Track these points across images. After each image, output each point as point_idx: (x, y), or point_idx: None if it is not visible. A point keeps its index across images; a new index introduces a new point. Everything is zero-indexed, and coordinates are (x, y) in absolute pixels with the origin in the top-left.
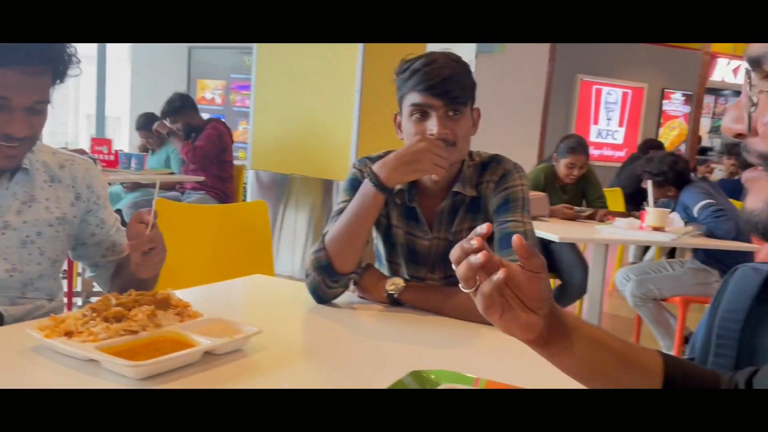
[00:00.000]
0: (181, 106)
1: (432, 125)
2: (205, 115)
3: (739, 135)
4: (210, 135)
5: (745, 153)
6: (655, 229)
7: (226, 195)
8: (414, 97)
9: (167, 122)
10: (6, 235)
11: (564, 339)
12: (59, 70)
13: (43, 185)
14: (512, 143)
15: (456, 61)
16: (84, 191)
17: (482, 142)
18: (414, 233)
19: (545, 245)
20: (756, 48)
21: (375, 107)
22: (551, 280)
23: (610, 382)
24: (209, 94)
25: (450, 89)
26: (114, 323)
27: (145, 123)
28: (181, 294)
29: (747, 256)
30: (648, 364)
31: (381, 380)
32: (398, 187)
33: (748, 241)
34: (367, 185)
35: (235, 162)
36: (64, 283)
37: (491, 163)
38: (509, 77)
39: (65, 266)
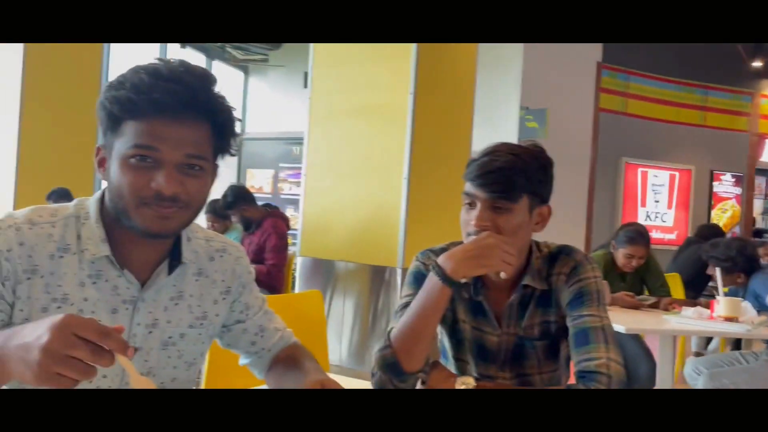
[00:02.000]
0: (234, 201)
1: (473, 216)
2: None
3: None
4: (277, 245)
5: None
6: (728, 319)
7: (275, 289)
8: (466, 186)
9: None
10: (152, 334)
11: None
12: (220, 124)
13: (191, 280)
14: (558, 226)
15: (516, 154)
16: (233, 284)
17: None
18: (482, 328)
19: None
20: None
21: (424, 193)
22: None
23: None
24: (258, 183)
25: (494, 182)
26: None
27: (212, 209)
28: None
29: None
30: None
31: None
32: (463, 280)
33: None
34: (432, 279)
35: None
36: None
37: (560, 255)
38: (553, 161)
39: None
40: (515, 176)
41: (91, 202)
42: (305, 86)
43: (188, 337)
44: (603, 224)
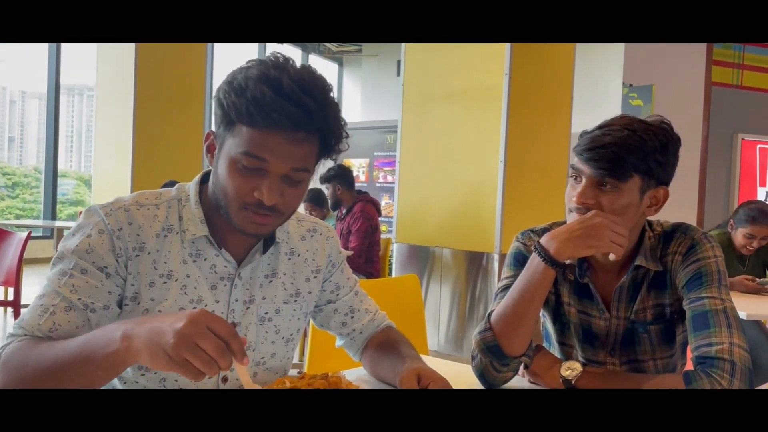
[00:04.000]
0: (335, 175)
1: (577, 191)
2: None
3: None
4: (361, 228)
5: None
6: None
7: (371, 275)
8: (574, 159)
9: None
10: (249, 310)
11: None
12: (328, 142)
13: (284, 259)
14: (667, 207)
15: (632, 129)
16: (323, 263)
17: None
18: (588, 312)
19: None
20: None
21: (521, 177)
22: None
23: None
24: (354, 172)
25: (601, 158)
26: None
27: (311, 197)
28: (349, 373)
29: None
30: None
31: None
32: (568, 261)
33: None
34: (535, 260)
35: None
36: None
37: (676, 233)
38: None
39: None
40: (626, 153)
41: (191, 186)
42: (398, 74)
43: (283, 312)
44: (717, 205)
